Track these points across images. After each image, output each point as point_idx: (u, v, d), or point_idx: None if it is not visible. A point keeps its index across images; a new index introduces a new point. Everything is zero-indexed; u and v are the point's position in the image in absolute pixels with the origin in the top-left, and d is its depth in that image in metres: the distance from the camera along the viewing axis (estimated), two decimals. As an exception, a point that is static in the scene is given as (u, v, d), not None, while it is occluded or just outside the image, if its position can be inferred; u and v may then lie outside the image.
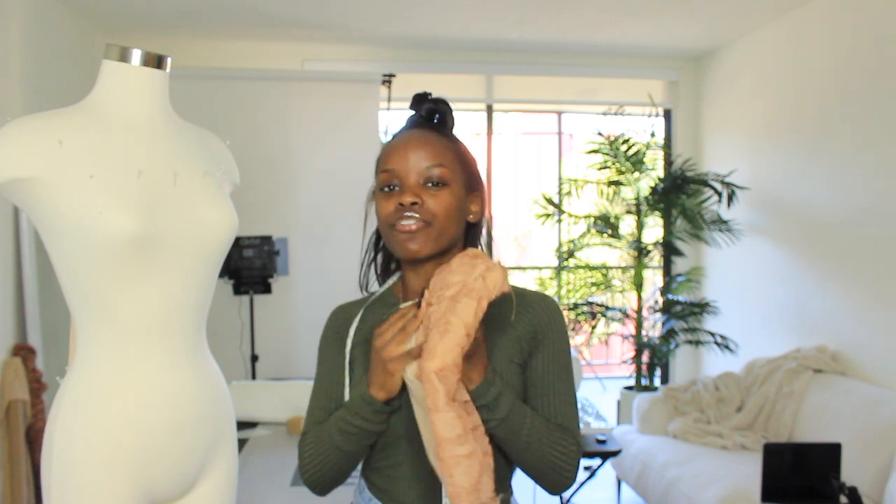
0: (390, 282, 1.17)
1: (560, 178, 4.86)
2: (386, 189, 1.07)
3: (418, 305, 1.00)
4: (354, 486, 1.20)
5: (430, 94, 1.14)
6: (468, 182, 1.10)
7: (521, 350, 1.08)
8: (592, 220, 4.48)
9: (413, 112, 1.15)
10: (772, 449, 2.39)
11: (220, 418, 1.32)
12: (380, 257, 1.21)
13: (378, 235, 1.19)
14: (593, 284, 4.60)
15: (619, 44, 4.45)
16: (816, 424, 3.07)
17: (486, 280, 0.95)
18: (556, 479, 1.06)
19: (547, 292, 4.73)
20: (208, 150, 1.35)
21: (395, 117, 4.41)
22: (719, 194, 4.15)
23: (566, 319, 4.55)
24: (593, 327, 4.44)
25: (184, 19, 3.97)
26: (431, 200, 1.04)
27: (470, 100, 4.92)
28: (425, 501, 1.08)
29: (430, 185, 1.05)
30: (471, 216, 1.12)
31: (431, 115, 1.12)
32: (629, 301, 4.62)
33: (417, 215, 1.03)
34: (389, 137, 1.13)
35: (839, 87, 3.43)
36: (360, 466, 1.16)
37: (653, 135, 4.48)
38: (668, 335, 4.30)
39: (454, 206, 1.06)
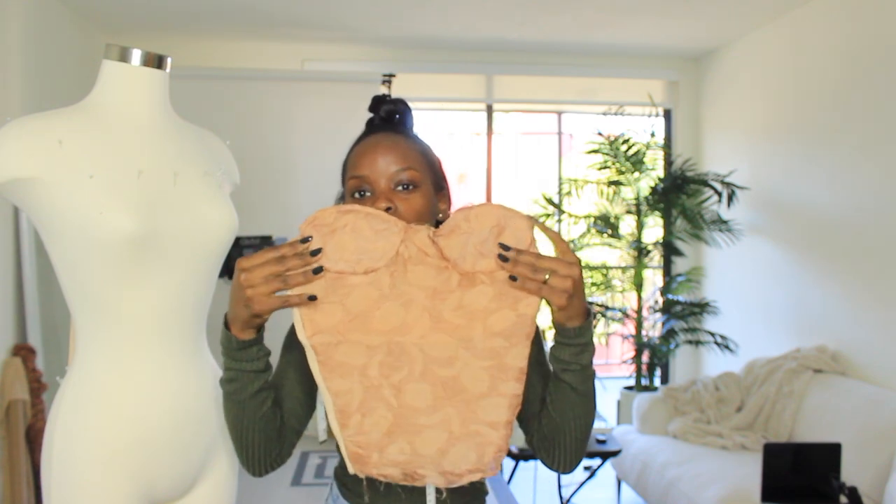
0: None
1: (560, 178, 4.86)
2: (357, 195, 1.06)
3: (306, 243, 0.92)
4: (327, 492, 1.18)
5: (388, 95, 1.16)
6: (436, 182, 1.11)
7: None
8: (592, 220, 4.48)
9: (372, 115, 1.15)
10: (772, 449, 2.39)
11: (220, 418, 1.32)
12: None
13: None
14: (593, 284, 4.60)
15: (619, 44, 4.45)
16: (816, 424, 3.07)
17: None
18: (583, 451, 1.04)
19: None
20: (208, 150, 1.35)
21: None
22: (719, 194, 4.15)
23: None
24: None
25: (184, 19, 3.97)
26: (404, 205, 1.03)
27: (470, 100, 4.92)
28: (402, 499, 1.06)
29: (400, 188, 1.05)
30: (440, 215, 1.13)
31: (391, 116, 1.13)
32: (629, 301, 4.62)
33: None
34: (352, 142, 1.13)
35: (839, 86, 3.43)
36: (333, 469, 1.14)
37: (653, 135, 4.48)
38: (668, 335, 4.30)
39: (426, 208, 1.06)
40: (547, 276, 0.92)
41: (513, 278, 0.93)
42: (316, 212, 0.93)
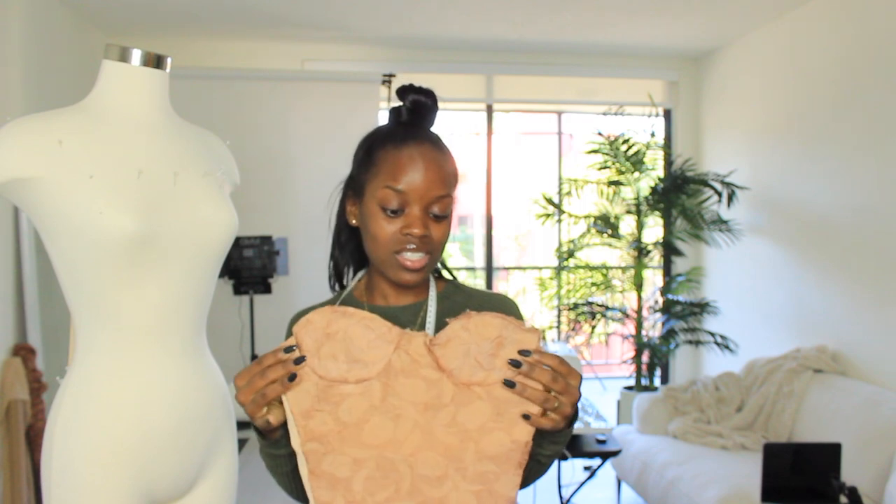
0: (353, 283, 1.15)
1: (560, 178, 4.86)
2: (388, 212, 1.01)
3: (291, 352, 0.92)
4: None
5: (415, 85, 1.07)
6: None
7: None
8: (592, 220, 4.48)
9: (399, 104, 1.08)
10: (772, 449, 2.39)
11: (220, 418, 1.32)
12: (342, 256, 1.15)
13: (340, 232, 1.13)
14: (593, 284, 4.60)
15: (619, 44, 4.45)
16: (816, 424, 3.07)
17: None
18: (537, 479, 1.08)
19: (547, 292, 4.74)
20: (208, 150, 1.35)
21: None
22: (719, 194, 4.15)
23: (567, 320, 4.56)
24: (593, 327, 4.44)
25: (184, 19, 3.97)
26: (435, 231, 1.02)
27: (470, 100, 4.93)
28: None
29: (434, 213, 1.02)
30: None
31: (419, 108, 1.06)
32: (629, 301, 4.62)
33: (423, 247, 1.01)
34: (379, 134, 1.06)
35: (839, 86, 3.43)
36: None
37: (653, 135, 4.49)
38: (668, 335, 4.31)
39: (449, 233, 1.05)
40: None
41: (509, 384, 0.90)
42: (311, 314, 0.92)
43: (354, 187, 1.07)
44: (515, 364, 0.90)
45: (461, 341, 0.90)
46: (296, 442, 0.92)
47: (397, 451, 0.90)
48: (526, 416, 0.90)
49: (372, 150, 1.05)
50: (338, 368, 0.91)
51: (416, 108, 1.06)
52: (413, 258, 1.01)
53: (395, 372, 0.91)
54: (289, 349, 0.92)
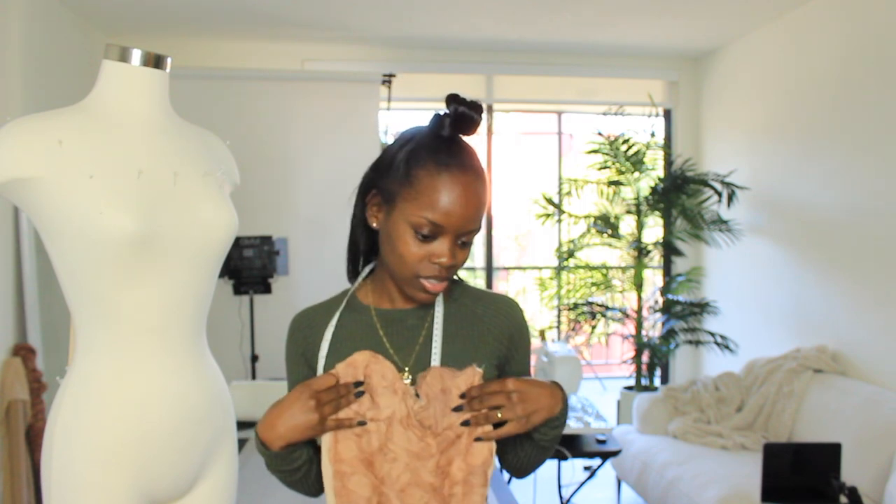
0: (356, 284, 1.14)
1: (560, 178, 4.86)
2: (421, 237, 1.00)
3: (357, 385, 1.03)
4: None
5: (463, 98, 1.03)
6: None
7: (499, 351, 1.10)
8: (592, 220, 4.48)
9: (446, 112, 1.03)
10: (772, 449, 2.39)
11: (220, 418, 1.32)
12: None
13: (356, 228, 1.12)
14: (593, 284, 4.60)
15: (619, 44, 4.45)
16: (816, 424, 3.07)
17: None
18: (535, 469, 1.14)
19: (547, 292, 4.74)
20: (208, 150, 1.35)
21: (395, 117, 4.41)
22: (719, 194, 4.15)
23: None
24: (593, 327, 4.44)
25: (184, 19, 3.97)
26: (460, 257, 1.03)
27: (470, 100, 4.92)
28: None
29: (461, 241, 1.03)
30: None
31: (461, 120, 1.01)
32: (629, 301, 4.62)
33: (447, 274, 1.03)
34: (421, 147, 1.02)
35: (839, 86, 3.43)
36: None
37: (653, 135, 4.48)
38: (668, 335, 4.31)
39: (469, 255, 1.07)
40: (500, 414, 1.00)
41: (465, 423, 1.02)
42: (355, 355, 1.05)
43: (384, 193, 1.03)
44: (459, 409, 1.02)
45: (429, 398, 1.03)
46: (326, 459, 1.03)
47: (392, 487, 1.03)
48: (479, 439, 1.02)
49: (411, 164, 1.00)
50: (365, 406, 1.03)
51: (460, 120, 1.01)
52: (435, 283, 1.04)
53: (396, 422, 1.03)
54: (357, 383, 1.02)
